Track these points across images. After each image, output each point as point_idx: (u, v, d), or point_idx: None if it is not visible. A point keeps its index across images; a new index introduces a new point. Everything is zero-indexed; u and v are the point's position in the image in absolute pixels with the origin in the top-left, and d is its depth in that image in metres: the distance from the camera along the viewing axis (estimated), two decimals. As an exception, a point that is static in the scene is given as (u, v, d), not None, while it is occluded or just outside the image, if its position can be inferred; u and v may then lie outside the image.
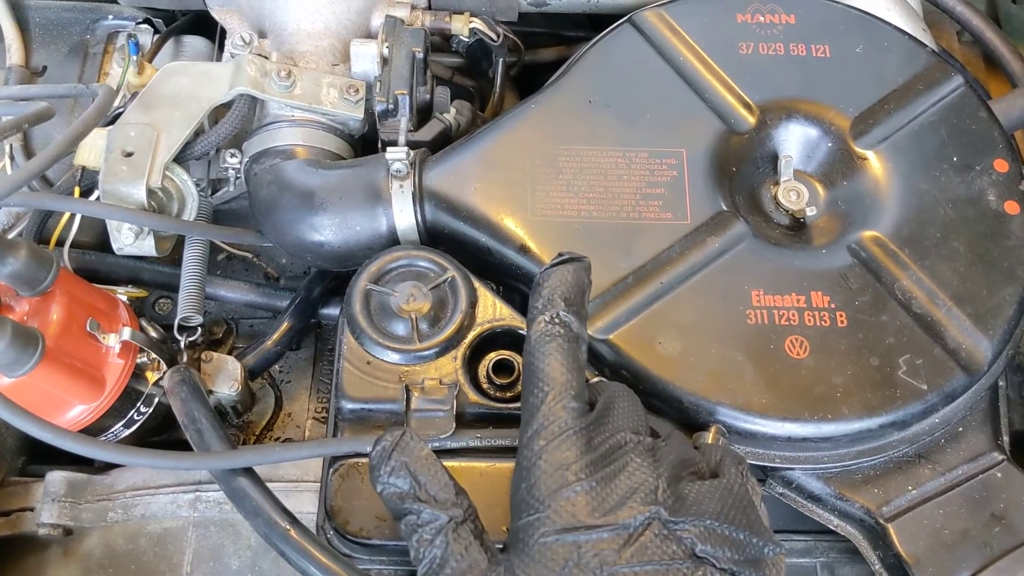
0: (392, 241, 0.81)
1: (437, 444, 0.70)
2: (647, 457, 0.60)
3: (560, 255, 0.66)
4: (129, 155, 0.81)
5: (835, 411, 0.72)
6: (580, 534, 0.56)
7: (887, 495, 0.75)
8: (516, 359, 0.75)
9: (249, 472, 0.69)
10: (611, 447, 0.60)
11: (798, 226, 0.82)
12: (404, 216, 0.80)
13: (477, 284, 0.77)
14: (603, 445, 0.60)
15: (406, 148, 0.79)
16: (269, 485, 0.72)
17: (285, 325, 0.92)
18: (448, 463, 0.68)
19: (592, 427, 0.61)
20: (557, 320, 0.62)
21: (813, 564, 0.83)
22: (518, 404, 0.71)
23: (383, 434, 0.60)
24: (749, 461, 0.74)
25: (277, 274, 1.01)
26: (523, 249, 0.78)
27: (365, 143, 0.92)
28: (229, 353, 0.98)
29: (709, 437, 0.71)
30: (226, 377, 0.86)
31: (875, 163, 0.83)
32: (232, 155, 0.87)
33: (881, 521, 0.74)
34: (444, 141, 0.86)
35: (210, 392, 0.85)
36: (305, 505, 0.74)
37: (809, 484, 0.76)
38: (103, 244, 0.90)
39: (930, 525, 0.74)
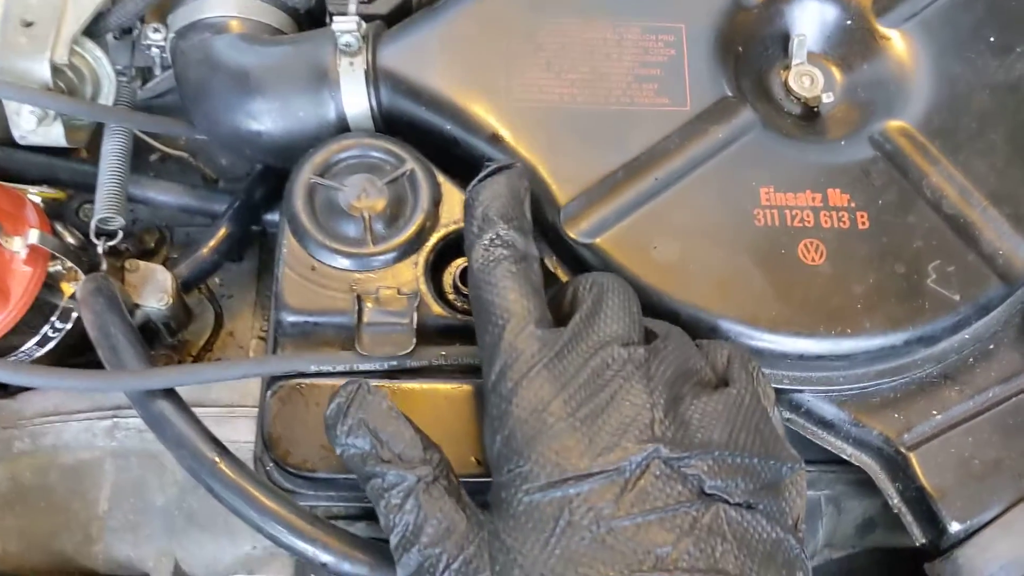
0: (342, 130, 0.69)
1: (395, 363, 0.59)
2: (639, 378, 0.50)
3: (487, 165, 0.58)
4: (29, 25, 0.68)
5: (855, 324, 0.63)
6: (569, 486, 0.47)
7: (909, 421, 0.66)
8: (487, 265, 0.64)
9: (171, 395, 0.58)
10: (594, 370, 0.50)
11: (812, 115, 0.72)
12: (355, 100, 0.68)
13: (441, 179, 0.65)
14: (584, 370, 0.50)
15: (357, 18, 0.67)
16: (199, 411, 0.61)
17: (223, 231, 0.81)
18: (408, 384, 0.59)
19: (568, 348, 0.51)
20: (498, 241, 0.54)
21: (817, 497, 0.75)
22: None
23: (337, 389, 0.52)
24: (755, 383, 0.64)
25: (216, 176, 0.89)
26: (495, 139, 0.67)
27: (313, 21, 0.79)
28: (163, 264, 0.87)
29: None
30: (154, 288, 0.75)
31: (900, 44, 0.72)
32: (155, 29, 0.75)
33: (902, 449, 0.65)
34: (403, 14, 0.74)
35: (136, 306, 0.74)
36: (242, 434, 0.64)
37: (820, 408, 0.67)
38: (12, 138, 0.78)
39: (957, 454, 0.65)
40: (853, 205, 0.66)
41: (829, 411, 0.67)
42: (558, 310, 0.56)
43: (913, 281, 0.64)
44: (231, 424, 0.65)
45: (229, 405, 0.66)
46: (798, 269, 0.64)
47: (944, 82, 0.70)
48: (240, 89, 0.69)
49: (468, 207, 0.57)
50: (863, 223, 0.65)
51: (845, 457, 0.67)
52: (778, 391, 0.67)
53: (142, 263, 0.76)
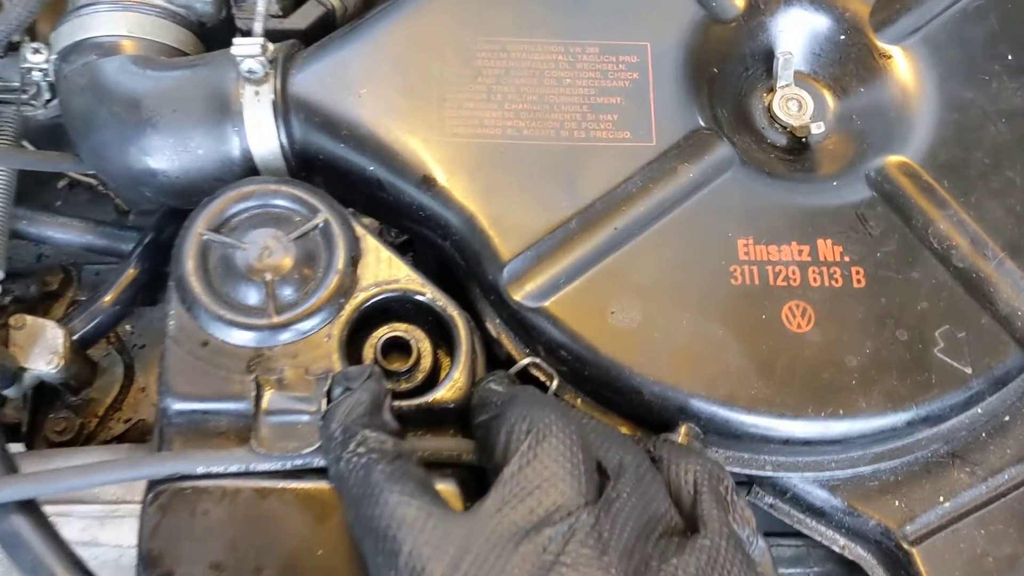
0: (249, 171, 0.59)
1: (300, 461, 0.49)
2: (589, 558, 0.40)
3: (339, 382, 0.50)
4: None
5: (848, 404, 0.53)
6: None
7: (911, 509, 0.57)
8: (416, 335, 0.54)
9: (28, 507, 0.48)
10: (529, 563, 0.39)
11: (799, 148, 0.62)
12: (262, 136, 0.58)
13: (361, 232, 0.55)
14: (516, 564, 0.40)
15: (261, 40, 0.57)
16: (79, 508, 0.52)
17: (129, 274, 0.71)
18: (316, 486, 0.49)
19: (493, 538, 0.40)
20: (364, 447, 0.45)
21: (805, 574, 0.66)
22: (419, 400, 0.52)
23: None
24: (731, 469, 0.55)
25: (128, 207, 0.79)
26: (426, 183, 0.57)
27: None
28: (68, 309, 0.77)
29: (679, 439, 0.52)
30: (44, 349, 0.65)
31: (902, 63, 0.62)
32: (35, 51, 0.64)
33: (904, 544, 0.56)
34: (326, 29, 0.63)
35: (22, 369, 0.64)
36: (126, 535, 0.54)
37: (809, 493, 0.58)
38: None
39: (968, 550, 0.56)
40: (847, 259, 0.56)
41: (819, 497, 0.58)
42: (488, 454, 0.46)
43: (917, 351, 0.54)
44: (115, 525, 0.55)
45: (114, 502, 0.56)
46: (782, 337, 0.54)
47: (953, 109, 0.60)
48: (130, 121, 0.59)
49: (324, 429, 0.48)
50: (858, 281, 0.56)
51: (837, 549, 0.58)
52: (760, 477, 0.57)
53: (29, 319, 0.65)
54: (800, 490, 0.58)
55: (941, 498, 0.57)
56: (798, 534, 0.61)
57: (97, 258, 0.77)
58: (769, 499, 0.59)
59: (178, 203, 0.63)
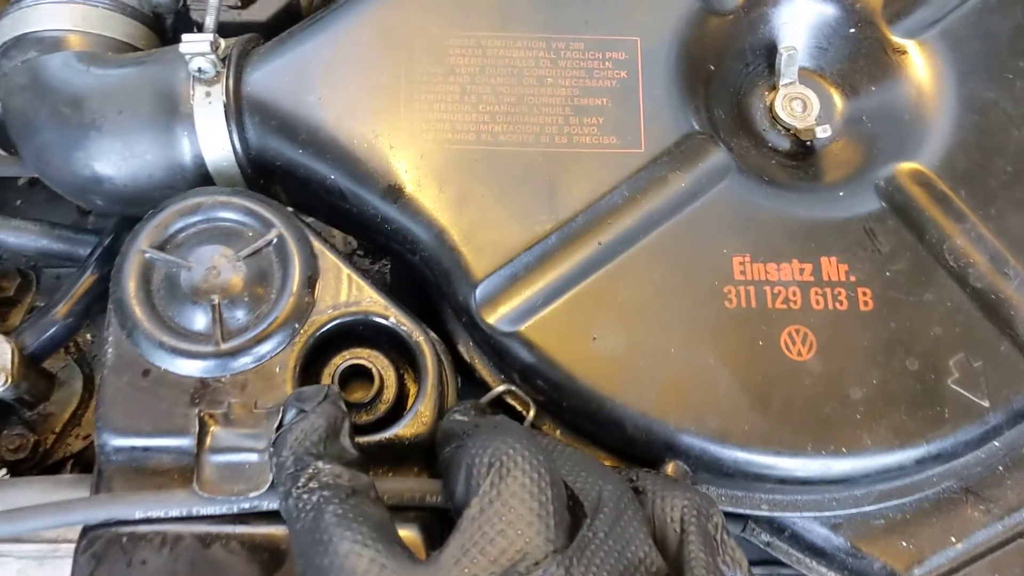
0: (202, 179, 0.54)
1: (247, 505, 0.45)
2: None
3: (295, 395, 0.45)
4: None
5: (852, 441, 0.48)
6: None
7: (920, 551, 0.52)
8: (379, 363, 0.50)
9: (-53, 555, 0.44)
10: None
11: (803, 153, 0.56)
12: (214, 141, 0.53)
13: (320, 248, 0.51)
14: None
15: (212, 36, 0.52)
16: (16, 548, 0.47)
17: (85, 282, 0.66)
18: (265, 531, 0.45)
19: None
20: (316, 482, 0.41)
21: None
22: (380, 436, 0.47)
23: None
24: (724, 508, 0.50)
25: (88, 208, 0.74)
26: (392, 193, 0.52)
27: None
28: (27, 316, 0.73)
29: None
30: (-10, 365, 0.61)
31: (918, 59, 0.56)
32: (-25, 44, 0.59)
33: (911, 589, 0.51)
34: (290, 22, 0.58)
35: (-32, 386, 0.60)
36: (65, 578, 0.49)
37: (809, 532, 0.53)
38: None
39: (982, 597, 0.51)
40: (853, 279, 0.51)
41: (820, 535, 0.53)
42: (449, 493, 0.42)
43: (929, 382, 0.49)
44: (55, 565, 0.51)
45: (53, 540, 0.52)
46: (780, 366, 0.49)
47: (972, 111, 0.55)
48: (73, 123, 0.54)
49: (275, 454, 0.43)
50: (865, 303, 0.51)
51: (839, 592, 0.53)
52: (754, 517, 0.53)
53: (-26, 332, 0.61)
54: (799, 528, 0.53)
55: (953, 538, 0.52)
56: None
57: (58, 261, 0.73)
58: (765, 536, 0.54)
59: (131, 211, 0.59)
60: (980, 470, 0.53)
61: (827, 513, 0.51)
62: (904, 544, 0.52)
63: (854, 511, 0.52)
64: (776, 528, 0.54)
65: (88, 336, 0.72)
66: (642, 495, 0.42)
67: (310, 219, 0.56)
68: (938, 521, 0.53)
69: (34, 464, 0.67)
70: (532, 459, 0.39)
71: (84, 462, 0.68)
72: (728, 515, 0.52)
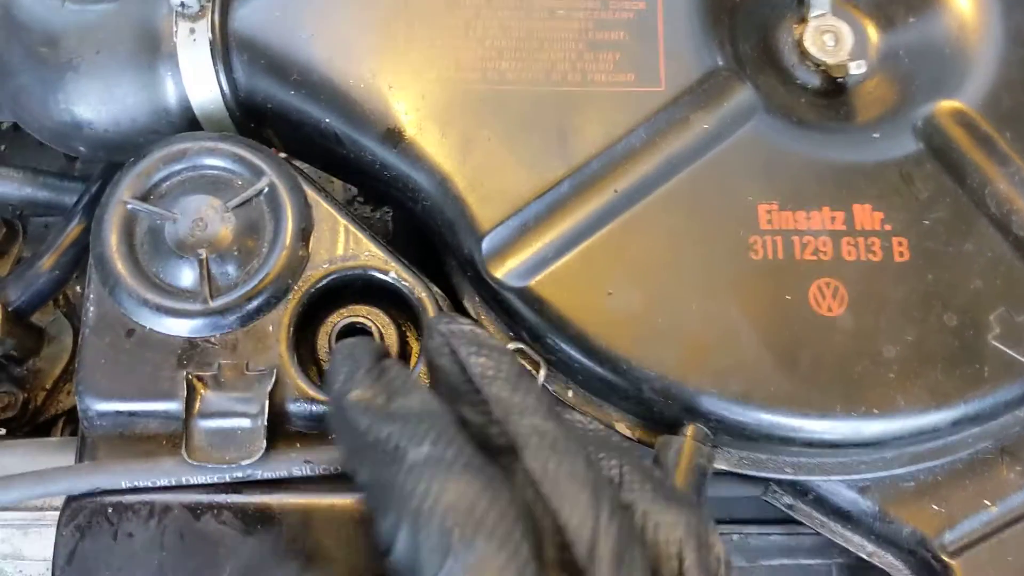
0: (189, 123, 0.51)
1: (240, 473, 0.42)
2: None
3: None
4: None
5: (884, 401, 0.45)
6: None
7: (952, 514, 0.49)
8: (379, 321, 0.47)
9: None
10: None
11: (834, 91, 0.52)
12: (199, 82, 0.49)
13: (315, 197, 0.47)
14: None
15: (194, -35, 0.48)
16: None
17: (71, 233, 0.62)
18: (259, 499, 0.42)
19: None
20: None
21: (828, 566, 0.59)
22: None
23: None
24: (745, 472, 0.48)
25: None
26: (390, 137, 0.48)
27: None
28: (14, 267, 0.70)
29: (683, 447, 0.44)
30: (-27, 321, 0.58)
31: (961, -13, 0.52)
32: (-57, -23, 0.55)
33: (942, 555, 0.48)
34: (279, -47, 0.54)
35: (-52, 344, 0.57)
36: (49, 549, 0.47)
37: (835, 495, 0.50)
38: None
39: (1017, 563, 0.48)
40: (888, 228, 0.47)
41: (846, 499, 0.50)
42: (377, 528, 0.34)
43: (968, 338, 0.46)
44: (41, 534, 0.49)
45: (39, 508, 0.50)
46: (809, 322, 0.46)
47: (1019, 44, 0.51)
48: (48, 63, 0.50)
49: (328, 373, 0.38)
50: (901, 254, 0.47)
51: (864, 556, 0.51)
52: (778, 480, 0.50)
53: (-47, 288, 0.58)
54: (824, 490, 0.50)
55: (987, 501, 0.49)
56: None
57: (44, 210, 0.70)
58: (788, 499, 0.51)
59: (116, 158, 0.55)
60: (1018, 430, 0.50)
61: (855, 477, 0.49)
62: (935, 507, 0.49)
63: (883, 474, 0.49)
64: (799, 491, 0.51)
65: (78, 288, 0.69)
66: (631, 512, 0.35)
67: (305, 166, 0.52)
68: (971, 483, 0.50)
69: (25, 422, 0.65)
70: (502, 523, 0.31)
71: (76, 419, 0.65)
72: (749, 478, 0.50)
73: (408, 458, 0.32)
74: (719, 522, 0.57)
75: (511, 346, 0.48)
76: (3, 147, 0.74)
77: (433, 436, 0.33)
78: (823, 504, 0.51)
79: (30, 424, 0.65)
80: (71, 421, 0.65)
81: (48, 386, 0.66)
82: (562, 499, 0.32)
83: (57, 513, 0.48)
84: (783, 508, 0.52)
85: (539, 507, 0.33)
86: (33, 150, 0.73)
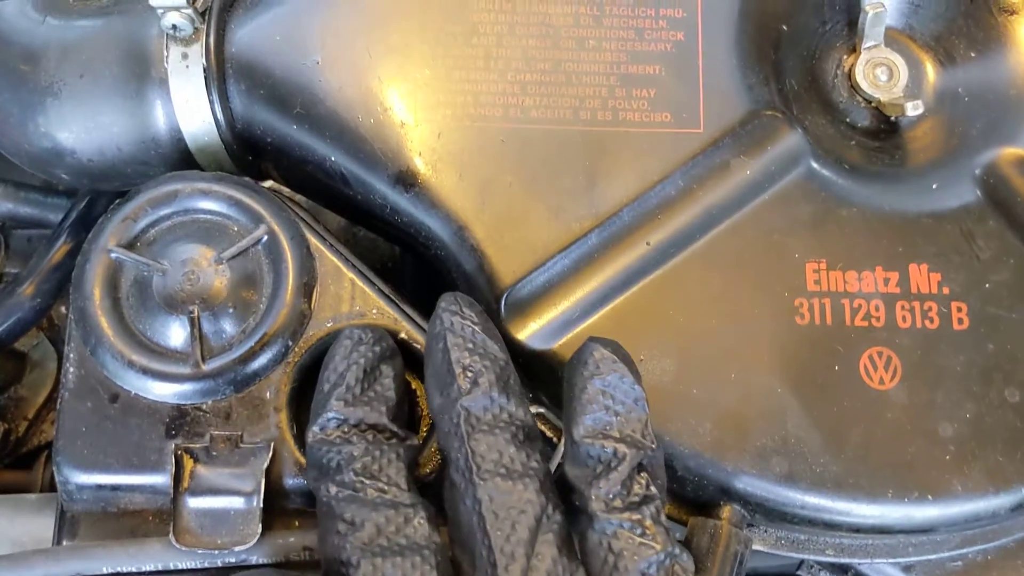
0: (180, 155, 0.46)
1: (234, 559, 0.38)
2: None
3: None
4: None
5: (939, 486, 0.41)
6: None
7: (1002, 597, 0.46)
8: (386, 383, 0.42)
9: None
10: None
11: (887, 132, 0.48)
12: (191, 111, 0.45)
13: (318, 246, 0.43)
14: None
15: (188, -15, 0.43)
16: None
17: (55, 256, 0.58)
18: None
19: None
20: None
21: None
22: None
23: None
24: (783, 552, 0.44)
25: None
26: (403, 180, 0.44)
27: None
28: (-3, 281, 0.66)
29: (718, 532, 0.40)
30: (-54, 353, 0.54)
31: (1031, 21, 0.48)
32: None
33: (990, 642, 0.45)
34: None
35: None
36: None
37: (876, 574, 0.47)
38: None
39: (1070, 653, 0.45)
40: (946, 292, 0.43)
41: (888, 577, 0.47)
42: None
43: (1033, 416, 0.42)
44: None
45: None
46: (859, 396, 0.42)
47: (1093, 86, 0.46)
48: (28, 85, 0.46)
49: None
50: (960, 321, 0.43)
51: (905, 638, 0.47)
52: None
53: (-70, 314, 0.54)
54: (866, 568, 0.47)
55: (1040, 585, 0.46)
56: None
57: (27, 225, 0.65)
58: (825, 575, 0.48)
59: (101, 187, 0.51)
60: (1078, 508, 0.46)
61: (901, 560, 0.45)
62: (984, 590, 0.46)
63: (932, 557, 0.45)
64: (838, 567, 0.47)
65: (63, 309, 0.64)
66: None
67: (309, 201, 0.48)
68: (1021, 562, 0.46)
69: (6, 453, 0.61)
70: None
71: (60, 451, 0.62)
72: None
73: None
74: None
75: (533, 410, 0.44)
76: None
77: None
78: (863, 582, 0.47)
79: (12, 455, 0.61)
80: (54, 455, 0.61)
81: (30, 415, 0.62)
82: (500, 532, 0.33)
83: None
84: (819, 584, 0.48)
85: (473, 529, 0.34)
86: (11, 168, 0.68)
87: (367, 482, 0.35)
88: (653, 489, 0.35)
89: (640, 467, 0.35)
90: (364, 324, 0.41)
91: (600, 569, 0.34)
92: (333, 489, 0.35)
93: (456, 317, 0.37)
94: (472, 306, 0.38)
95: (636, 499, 0.35)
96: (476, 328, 0.37)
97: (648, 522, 0.34)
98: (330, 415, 0.37)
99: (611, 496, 0.34)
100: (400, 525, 0.34)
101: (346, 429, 0.36)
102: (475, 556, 0.34)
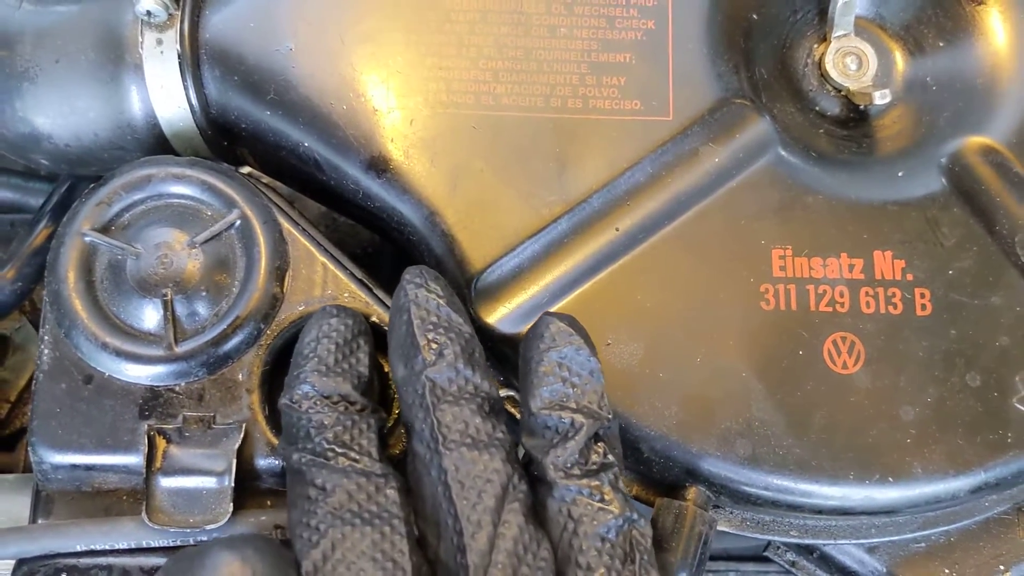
0: (156, 140, 0.47)
1: (205, 538, 0.39)
2: None
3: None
4: None
5: (901, 468, 0.42)
6: None
7: (964, 578, 0.46)
8: (358, 366, 0.43)
9: None
10: None
11: (855, 121, 0.49)
12: (166, 97, 0.45)
13: (291, 231, 0.43)
14: None
15: (161, -29, 0.43)
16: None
17: (36, 240, 0.58)
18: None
19: None
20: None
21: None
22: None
23: None
24: (747, 534, 0.45)
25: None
26: (375, 165, 0.44)
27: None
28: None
29: (684, 513, 0.41)
30: (-72, 335, 0.54)
31: (998, 12, 0.48)
32: None
33: (951, 622, 0.46)
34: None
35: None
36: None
37: (842, 554, 0.48)
38: None
39: (1031, 634, 0.46)
40: (910, 278, 0.44)
41: (853, 558, 0.48)
42: None
43: (992, 400, 0.43)
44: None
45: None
46: (823, 380, 0.43)
47: (1059, 76, 0.47)
48: (5, 70, 0.46)
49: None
50: (923, 307, 0.44)
51: (870, 618, 0.48)
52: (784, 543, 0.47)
53: (-93, 298, 0.54)
54: (830, 549, 0.47)
55: (1001, 566, 0.47)
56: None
57: (8, 211, 0.66)
58: (791, 556, 0.49)
59: (80, 172, 0.51)
60: (1036, 492, 0.47)
61: (864, 541, 0.46)
62: (947, 571, 0.47)
63: (895, 538, 0.46)
64: (804, 548, 0.48)
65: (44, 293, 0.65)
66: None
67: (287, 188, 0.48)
68: (986, 546, 0.47)
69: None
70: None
71: (42, 434, 0.62)
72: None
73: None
74: (715, 558, 0.55)
75: (502, 393, 0.45)
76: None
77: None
78: (828, 563, 0.48)
79: (-6, 439, 0.62)
80: (36, 437, 0.62)
81: (12, 398, 0.63)
82: (466, 501, 0.33)
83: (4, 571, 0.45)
84: (785, 565, 0.49)
85: (438, 499, 0.34)
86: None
87: (339, 450, 0.35)
88: (611, 457, 0.36)
89: (596, 437, 0.36)
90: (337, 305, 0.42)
91: (560, 536, 0.34)
92: (305, 456, 0.35)
93: (421, 290, 0.37)
94: (437, 279, 0.38)
95: (594, 467, 0.35)
96: (441, 301, 0.37)
97: (606, 488, 0.35)
98: (304, 386, 0.37)
99: (569, 464, 0.35)
100: (372, 493, 0.34)
101: (319, 400, 0.37)
102: (440, 526, 0.34)
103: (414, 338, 0.36)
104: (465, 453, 0.34)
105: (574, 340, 0.37)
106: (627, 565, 0.34)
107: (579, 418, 0.35)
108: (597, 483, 0.35)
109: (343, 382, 0.37)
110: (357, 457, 0.35)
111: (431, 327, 0.37)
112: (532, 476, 0.36)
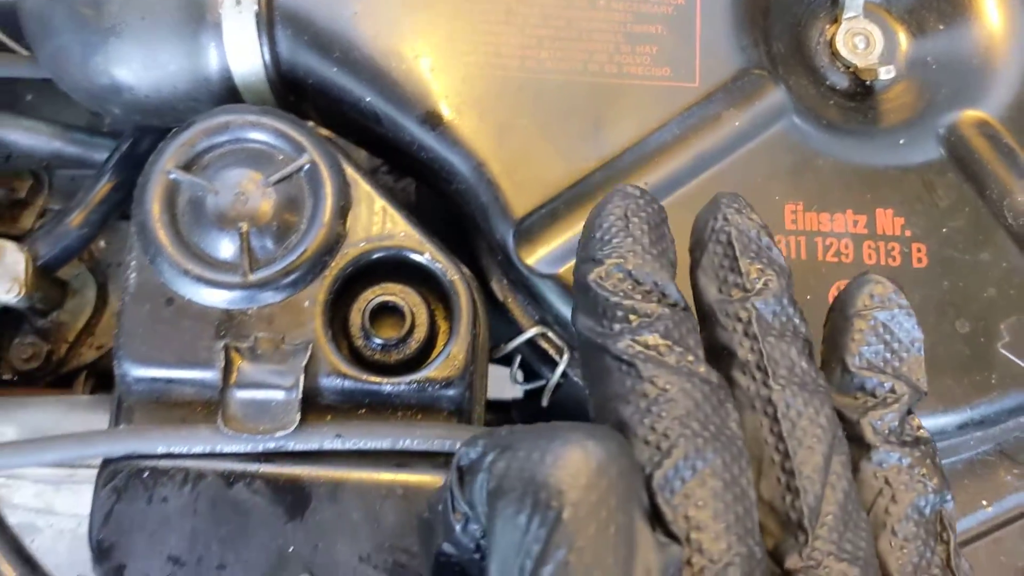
0: (228, 93, 0.51)
1: (273, 444, 0.44)
2: None
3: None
4: None
5: (896, 402, 0.47)
6: None
7: (950, 511, 0.51)
8: (411, 300, 0.48)
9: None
10: None
11: (862, 94, 0.53)
12: (242, 52, 0.50)
13: (354, 175, 0.48)
14: None
15: (242, -62, 0.48)
16: (32, 470, 0.47)
17: (101, 191, 0.63)
18: (286, 470, 0.44)
19: None
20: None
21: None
22: (411, 377, 0.46)
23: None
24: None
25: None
26: (430, 119, 0.49)
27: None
28: (38, 219, 0.71)
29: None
30: (3, 275, 0.59)
31: (994, -2, 0.53)
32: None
33: (937, 550, 0.50)
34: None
35: (-23, 296, 0.58)
36: (84, 503, 0.48)
37: (838, 487, 0.52)
38: None
39: (1010, 562, 0.51)
40: (908, 234, 0.49)
41: (849, 491, 0.52)
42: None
43: (979, 345, 0.48)
44: (72, 491, 0.50)
45: (70, 465, 0.51)
46: (827, 322, 0.47)
47: (1047, 58, 0.52)
48: (91, 27, 0.51)
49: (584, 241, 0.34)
50: (919, 260, 0.49)
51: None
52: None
53: (-16, 239, 0.59)
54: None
55: (984, 502, 0.51)
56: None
57: (72, 165, 0.70)
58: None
59: (150, 122, 0.56)
60: (1019, 435, 0.52)
61: (860, 471, 0.50)
62: (934, 504, 0.51)
63: (888, 470, 0.51)
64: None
65: (102, 243, 0.70)
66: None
67: (341, 140, 0.53)
68: (970, 483, 0.52)
69: (48, 373, 0.66)
70: (733, 444, 0.29)
71: (98, 372, 0.67)
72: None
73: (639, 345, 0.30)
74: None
75: (535, 330, 0.50)
76: (29, 96, 0.74)
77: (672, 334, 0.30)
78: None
79: (53, 375, 0.66)
80: (93, 373, 0.66)
81: (71, 339, 0.67)
82: (799, 443, 0.30)
83: (88, 471, 0.50)
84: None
85: (762, 434, 0.31)
86: (63, 102, 0.73)
87: (677, 348, 0.30)
88: (925, 433, 0.33)
89: (909, 412, 0.33)
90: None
91: (874, 500, 0.32)
92: (634, 347, 0.30)
93: (742, 215, 0.34)
94: (754, 208, 0.35)
95: (909, 439, 0.33)
96: (762, 231, 0.34)
97: (928, 461, 0.32)
98: (614, 263, 0.31)
99: (887, 431, 0.32)
100: (715, 406, 0.30)
101: (631, 284, 0.31)
102: (763, 462, 0.30)
103: (735, 261, 0.33)
104: (797, 392, 0.31)
105: (904, 304, 0.34)
106: (939, 544, 0.32)
107: (900, 385, 0.33)
108: (919, 455, 0.32)
109: (660, 269, 0.32)
110: (694, 360, 0.30)
111: (753, 254, 0.33)
112: None
